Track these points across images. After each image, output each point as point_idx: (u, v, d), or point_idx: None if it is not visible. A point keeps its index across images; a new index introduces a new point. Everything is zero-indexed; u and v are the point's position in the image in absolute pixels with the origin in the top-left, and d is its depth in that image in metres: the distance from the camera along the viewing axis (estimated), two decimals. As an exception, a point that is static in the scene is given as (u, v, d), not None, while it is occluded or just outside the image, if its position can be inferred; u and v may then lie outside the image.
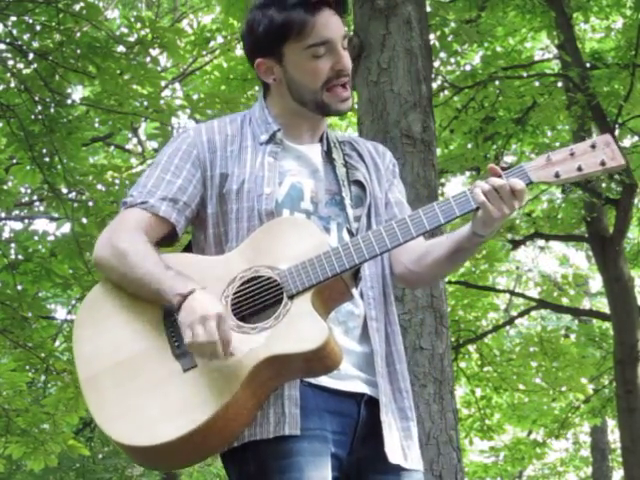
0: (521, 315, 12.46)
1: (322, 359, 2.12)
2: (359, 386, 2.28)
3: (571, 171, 2.16)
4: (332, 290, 2.20)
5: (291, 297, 2.16)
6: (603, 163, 2.15)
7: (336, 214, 2.36)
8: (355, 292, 2.30)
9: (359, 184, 2.42)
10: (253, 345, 2.11)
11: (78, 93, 11.86)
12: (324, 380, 2.22)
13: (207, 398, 2.09)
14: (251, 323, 2.15)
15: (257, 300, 2.18)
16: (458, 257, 2.34)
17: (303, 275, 2.16)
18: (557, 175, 2.16)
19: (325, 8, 2.33)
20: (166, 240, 2.35)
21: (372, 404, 2.29)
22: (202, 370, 2.14)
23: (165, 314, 2.21)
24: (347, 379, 2.26)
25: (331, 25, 2.34)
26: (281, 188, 2.33)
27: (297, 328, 2.11)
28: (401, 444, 2.30)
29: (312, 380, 2.21)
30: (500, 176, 2.17)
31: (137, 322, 2.22)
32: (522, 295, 12.72)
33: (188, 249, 2.42)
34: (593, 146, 2.17)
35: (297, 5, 2.31)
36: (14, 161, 7.95)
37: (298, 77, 2.35)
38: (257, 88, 9.50)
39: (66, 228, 7.44)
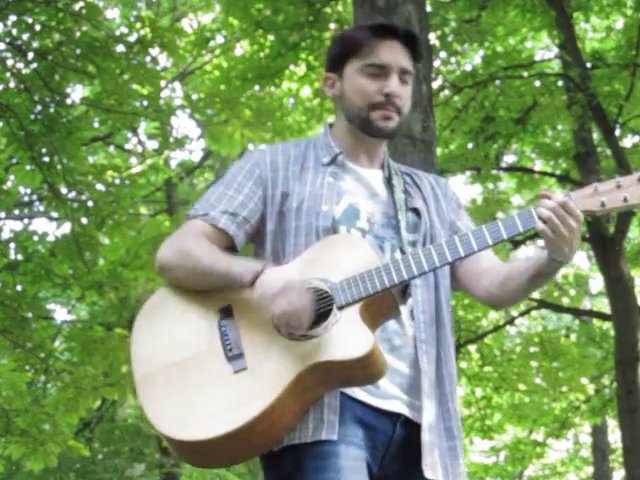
0: (521, 315, 12.44)
1: (366, 367, 2.20)
2: (398, 406, 2.35)
3: (617, 201, 2.22)
4: (380, 304, 2.28)
5: (340, 308, 2.24)
6: None
7: (391, 236, 2.43)
8: (403, 312, 2.37)
9: (416, 212, 2.50)
10: (301, 352, 2.21)
11: (78, 93, 11.88)
12: (363, 396, 2.30)
13: (255, 398, 2.19)
14: None
15: None
16: (539, 282, 2.39)
17: (353, 288, 2.24)
18: (603, 205, 2.22)
19: (394, 39, 2.47)
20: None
21: (409, 425, 2.35)
22: (252, 372, 2.24)
23: (220, 319, 2.31)
24: (387, 398, 2.34)
25: (394, 53, 2.46)
26: (338, 206, 2.42)
27: (344, 337, 2.20)
28: (445, 462, 2.35)
29: (351, 394, 2.29)
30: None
31: (193, 326, 2.33)
32: (522, 295, 12.67)
33: None
34: None
35: (367, 28, 2.49)
36: (14, 161, 7.93)
37: (350, 93, 2.48)
38: (257, 88, 9.47)
39: (66, 228, 7.43)
